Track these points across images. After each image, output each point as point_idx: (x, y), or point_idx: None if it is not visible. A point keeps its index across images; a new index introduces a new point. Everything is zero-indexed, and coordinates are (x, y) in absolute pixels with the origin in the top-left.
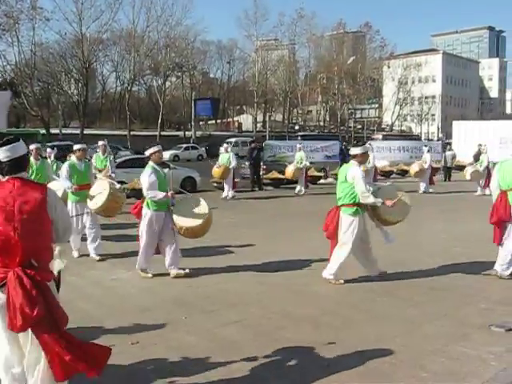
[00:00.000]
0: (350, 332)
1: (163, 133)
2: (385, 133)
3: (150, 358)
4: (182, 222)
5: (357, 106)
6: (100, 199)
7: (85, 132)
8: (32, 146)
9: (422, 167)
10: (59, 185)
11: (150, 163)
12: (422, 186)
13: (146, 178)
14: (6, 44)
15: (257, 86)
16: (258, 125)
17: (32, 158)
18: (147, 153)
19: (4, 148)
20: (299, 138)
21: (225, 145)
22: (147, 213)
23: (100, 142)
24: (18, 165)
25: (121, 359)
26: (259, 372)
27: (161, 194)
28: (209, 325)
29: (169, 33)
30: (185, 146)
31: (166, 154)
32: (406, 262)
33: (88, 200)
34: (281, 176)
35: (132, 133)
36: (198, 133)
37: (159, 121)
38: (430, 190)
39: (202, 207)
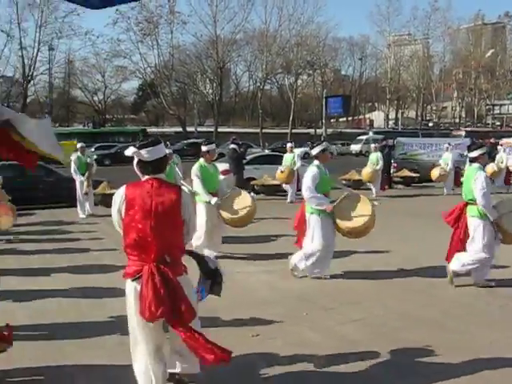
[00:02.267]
0: (473, 337)
1: (294, 130)
2: (469, 128)
3: (269, 351)
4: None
5: (495, 102)
6: (238, 213)
7: (218, 130)
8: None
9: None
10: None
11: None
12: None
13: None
14: (147, 47)
15: (389, 82)
16: (390, 122)
17: None
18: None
19: (149, 149)
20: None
21: (289, 144)
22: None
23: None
24: (160, 166)
25: (240, 350)
26: (375, 372)
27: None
28: (329, 322)
29: (300, 31)
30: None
31: (297, 152)
32: None
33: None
34: (412, 174)
35: (264, 130)
36: (329, 130)
37: (290, 118)
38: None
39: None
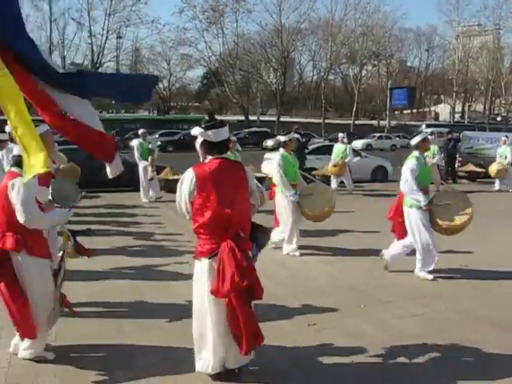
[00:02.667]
0: None
1: (357, 121)
2: None
3: (324, 340)
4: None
5: None
6: (320, 209)
7: (281, 119)
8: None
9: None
10: None
11: None
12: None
13: None
14: (212, 36)
15: (456, 74)
16: (456, 115)
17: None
18: None
19: (214, 130)
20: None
21: (340, 134)
22: None
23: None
24: (224, 147)
25: (296, 339)
26: (429, 366)
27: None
28: (385, 315)
29: (366, 21)
30: (378, 135)
31: (359, 143)
32: None
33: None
34: (477, 169)
35: (326, 121)
36: (393, 122)
37: (354, 109)
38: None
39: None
